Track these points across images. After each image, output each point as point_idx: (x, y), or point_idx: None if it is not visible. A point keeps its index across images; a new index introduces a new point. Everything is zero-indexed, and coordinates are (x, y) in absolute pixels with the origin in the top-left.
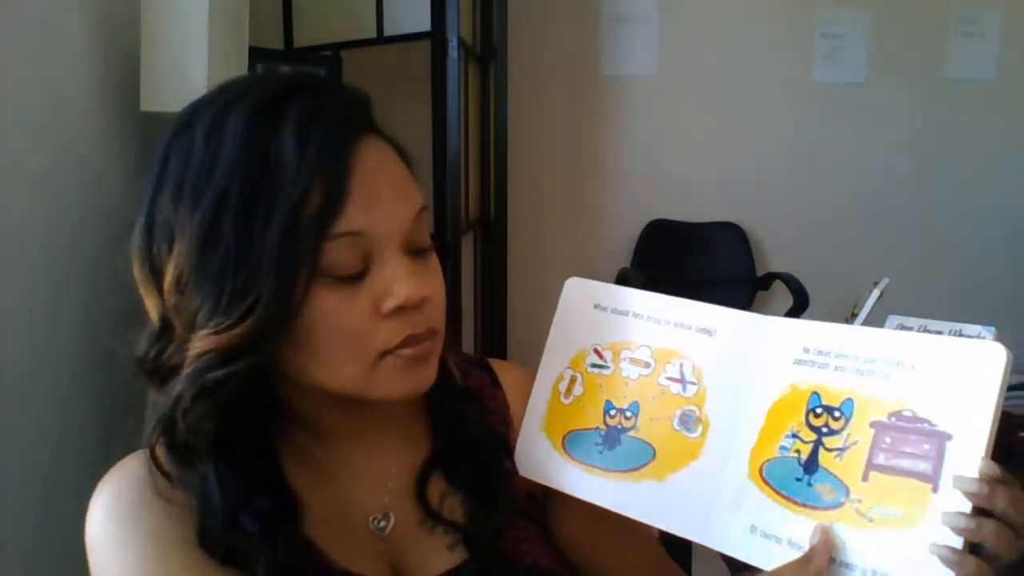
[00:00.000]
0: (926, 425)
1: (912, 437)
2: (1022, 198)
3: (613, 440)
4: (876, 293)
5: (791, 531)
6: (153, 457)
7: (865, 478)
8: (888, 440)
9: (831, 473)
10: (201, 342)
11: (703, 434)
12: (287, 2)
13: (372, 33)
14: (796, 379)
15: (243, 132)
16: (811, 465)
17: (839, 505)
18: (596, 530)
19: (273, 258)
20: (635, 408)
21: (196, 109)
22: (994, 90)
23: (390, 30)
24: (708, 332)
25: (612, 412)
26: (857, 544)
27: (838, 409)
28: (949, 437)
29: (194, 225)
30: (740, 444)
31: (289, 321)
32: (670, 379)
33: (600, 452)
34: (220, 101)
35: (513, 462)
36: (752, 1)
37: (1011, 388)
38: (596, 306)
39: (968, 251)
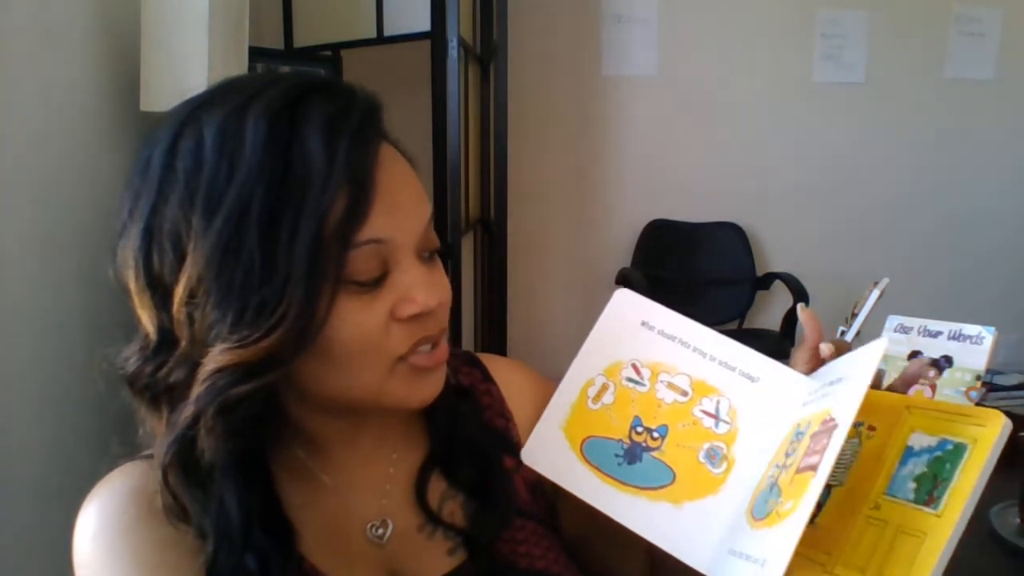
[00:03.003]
0: (832, 423)
1: (824, 438)
2: (1021, 198)
3: (635, 456)
4: (876, 293)
5: (752, 548)
6: (166, 480)
7: (792, 482)
8: (812, 445)
9: (779, 487)
10: (223, 356)
11: (727, 471)
12: (287, 2)
13: (372, 33)
14: (797, 419)
15: (264, 135)
16: (775, 487)
17: (772, 511)
18: (603, 528)
19: (302, 268)
20: (663, 431)
21: (196, 109)
22: (993, 90)
23: (390, 30)
24: (751, 379)
25: (639, 429)
26: (759, 539)
27: (802, 432)
28: (836, 426)
29: (212, 234)
30: (754, 487)
31: (317, 331)
32: (704, 412)
33: (619, 464)
34: (228, 102)
35: (514, 460)
36: (752, 1)
37: (1011, 388)
38: (644, 323)
39: (967, 250)
